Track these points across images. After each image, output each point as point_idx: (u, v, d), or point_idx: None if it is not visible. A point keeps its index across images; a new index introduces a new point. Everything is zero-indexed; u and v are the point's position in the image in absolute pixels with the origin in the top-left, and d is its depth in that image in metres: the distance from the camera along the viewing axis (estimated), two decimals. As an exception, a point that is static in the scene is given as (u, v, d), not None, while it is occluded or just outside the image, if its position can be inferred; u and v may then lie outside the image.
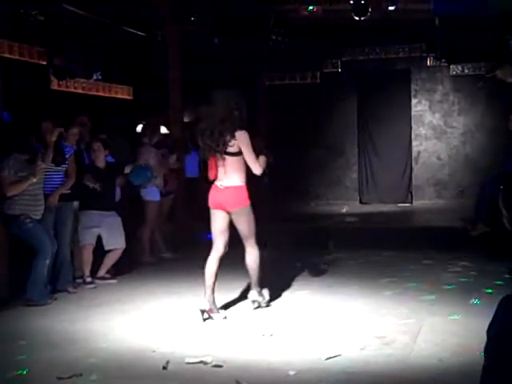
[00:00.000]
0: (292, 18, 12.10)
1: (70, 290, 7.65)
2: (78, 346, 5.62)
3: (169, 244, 9.85)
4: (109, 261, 8.22)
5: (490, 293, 6.88)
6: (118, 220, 8.27)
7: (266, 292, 6.77)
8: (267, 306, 6.76)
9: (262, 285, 6.76)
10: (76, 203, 7.92)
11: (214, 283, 6.48)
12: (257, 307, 6.70)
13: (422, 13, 11.63)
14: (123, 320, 6.42)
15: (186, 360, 5.12)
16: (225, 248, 6.52)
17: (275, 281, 7.88)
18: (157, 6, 10.88)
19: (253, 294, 6.70)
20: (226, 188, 6.41)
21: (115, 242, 8.17)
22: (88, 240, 8.03)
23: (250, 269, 6.65)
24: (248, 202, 6.51)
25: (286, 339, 5.67)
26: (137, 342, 5.68)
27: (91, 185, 7.97)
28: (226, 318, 6.37)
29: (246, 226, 6.50)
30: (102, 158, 8.23)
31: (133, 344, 5.64)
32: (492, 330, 2.32)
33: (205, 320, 6.31)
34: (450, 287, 7.40)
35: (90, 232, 8.02)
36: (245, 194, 6.51)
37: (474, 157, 14.94)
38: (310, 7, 11.43)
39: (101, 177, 8.08)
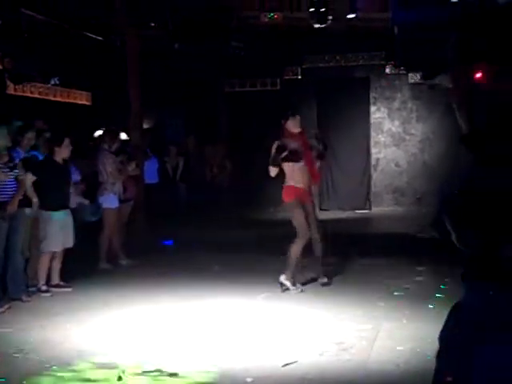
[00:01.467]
0: (253, 24, 12.12)
1: (24, 298, 7.48)
2: (33, 355, 5.51)
3: (127, 251, 9.73)
4: (57, 264, 8.07)
5: (444, 298, 6.95)
6: (71, 218, 8.14)
7: (287, 282, 7.56)
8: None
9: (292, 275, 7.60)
10: (28, 210, 7.75)
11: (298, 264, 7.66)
12: (284, 290, 7.52)
13: (381, 21, 11.75)
14: (79, 329, 6.31)
15: (142, 368, 5.06)
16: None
17: (234, 286, 7.86)
18: (115, 10, 10.79)
19: (282, 277, 7.58)
20: None
21: (68, 242, 8.05)
22: (52, 248, 7.88)
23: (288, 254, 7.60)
24: (287, 200, 7.68)
25: (244, 346, 5.64)
26: (92, 351, 5.59)
27: None
28: (302, 291, 7.56)
29: (292, 219, 7.64)
30: (62, 154, 8.04)
31: (88, 353, 5.54)
32: (442, 336, 2.35)
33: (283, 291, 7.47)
34: (407, 293, 7.45)
35: (56, 240, 7.87)
36: (284, 192, 7.72)
37: (432, 164, 15.12)
38: (271, 14, 11.47)
39: (57, 172, 7.92)
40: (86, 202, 8.96)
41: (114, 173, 9.15)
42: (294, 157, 7.58)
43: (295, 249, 7.58)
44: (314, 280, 8.06)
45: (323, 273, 8.04)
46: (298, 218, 7.58)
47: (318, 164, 8.34)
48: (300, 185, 7.64)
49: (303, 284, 7.80)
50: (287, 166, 7.65)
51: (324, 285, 7.85)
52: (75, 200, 8.62)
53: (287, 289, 7.54)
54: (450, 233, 2.12)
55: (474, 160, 2.05)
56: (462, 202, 1.77)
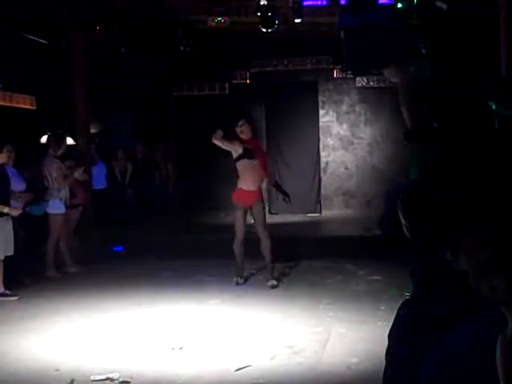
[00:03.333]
0: (200, 28, 12.05)
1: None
2: (-24, 366, 5.35)
3: (75, 257, 9.55)
4: (1, 273, 7.87)
5: (394, 298, 7.00)
6: (11, 225, 7.94)
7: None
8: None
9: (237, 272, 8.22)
10: None
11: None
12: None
13: (328, 26, 11.83)
14: (26, 338, 6.16)
15: (92, 377, 4.96)
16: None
17: (185, 292, 7.79)
18: (60, 13, 10.59)
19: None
20: None
21: (8, 249, 7.85)
22: None
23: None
24: (234, 200, 8.10)
25: (196, 351, 5.59)
26: (40, 361, 5.46)
27: None
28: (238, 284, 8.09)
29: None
30: (2, 159, 7.85)
31: (35, 363, 5.41)
32: (391, 335, 2.36)
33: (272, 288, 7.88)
34: (357, 294, 7.50)
35: None
36: (234, 193, 8.12)
37: (381, 166, 15.29)
38: (218, 18, 11.42)
39: None
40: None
41: (58, 179, 8.98)
42: (246, 154, 7.86)
43: (234, 248, 8.14)
44: (263, 283, 8.04)
45: (272, 276, 8.15)
46: (235, 220, 8.13)
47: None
48: (249, 187, 7.92)
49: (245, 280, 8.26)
50: (240, 165, 7.93)
51: (273, 287, 7.97)
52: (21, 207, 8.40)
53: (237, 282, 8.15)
54: (394, 230, 2.12)
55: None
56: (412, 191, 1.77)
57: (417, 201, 1.69)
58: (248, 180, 7.94)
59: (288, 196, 8.69)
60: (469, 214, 1.09)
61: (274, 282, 8.07)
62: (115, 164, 13.29)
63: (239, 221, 8.04)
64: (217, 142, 8.00)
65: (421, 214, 1.52)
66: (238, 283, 8.14)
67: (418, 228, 1.83)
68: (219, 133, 7.99)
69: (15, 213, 7.81)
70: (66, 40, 11.15)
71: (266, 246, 8.09)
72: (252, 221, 8.26)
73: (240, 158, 7.92)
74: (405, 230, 2.06)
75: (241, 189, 8.02)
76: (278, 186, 9.02)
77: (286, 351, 5.49)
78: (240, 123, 7.96)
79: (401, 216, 1.93)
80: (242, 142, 7.97)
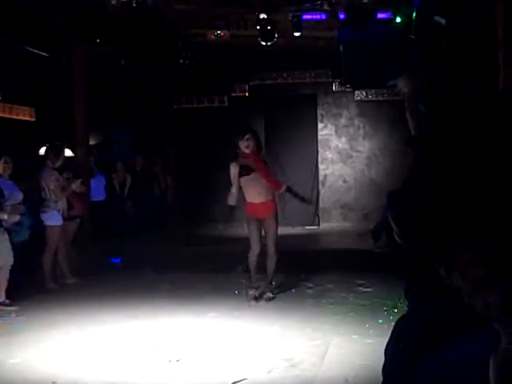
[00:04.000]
0: (200, 42, 12.12)
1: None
2: (-27, 378, 5.33)
3: (74, 269, 9.54)
4: (2, 282, 7.87)
5: (392, 312, 7.01)
6: (6, 236, 7.93)
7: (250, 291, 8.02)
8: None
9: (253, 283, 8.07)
10: None
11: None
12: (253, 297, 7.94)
13: (327, 39, 11.90)
14: (23, 350, 6.14)
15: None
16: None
17: (184, 304, 7.77)
18: (61, 26, 10.64)
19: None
20: None
21: (9, 259, 7.84)
22: None
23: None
24: (245, 213, 8.15)
25: (193, 364, 5.57)
26: (37, 373, 5.44)
27: None
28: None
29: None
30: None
31: (32, 375, 5.40)
32: (387, 349, 2.36)
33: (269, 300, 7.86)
34: (355, 307, 7.49)
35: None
36: (244, 206, 8.13)
37: (379, 180, 15.31)
38: (218, 32, 11.49)
39: None
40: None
41: (56, 190, 8.98)
42: (244, 171, 7.80)
43: (249, 260, 8.03)
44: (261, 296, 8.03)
45: (269, 288, 8.12)
46: (248, 232, 8.01)
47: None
48: (255, 200, 7.86)
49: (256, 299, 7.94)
50: (242, 183, 7.89)
51: (269, 299, 7.93)
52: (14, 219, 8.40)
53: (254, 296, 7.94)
54: (388, 243, 2.13)
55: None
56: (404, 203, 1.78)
57: (402, 207, 1.70)
58: (252, 194, 7.90)
59: (304, 199, 8.90)
60: (462, 228, 1.10)
61: (271, 295, 8.02)
62: (114, 176, 13.31)
63: (254, 233, 7.97)
64: (233, 192, 7.96)
65: (408, 221, 1.53)
66: (254, 297, 7.93)
67: (408, 236, 1.84)
68: (232, 196, 7.98)
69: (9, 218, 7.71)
70: (66, 52, 11.20)
71: (271, 262, 8.01)
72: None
73: (239, 176, 7.89)
74: (395, 235, 2.07)
75: (249, 202, 7.98)
76: (291, 191, 8.75)
77: (283, 364, 5.48)
78: (246, 137, 7.87)
79: (391, 222, 1.94)
80: (239, 157, 7.88)
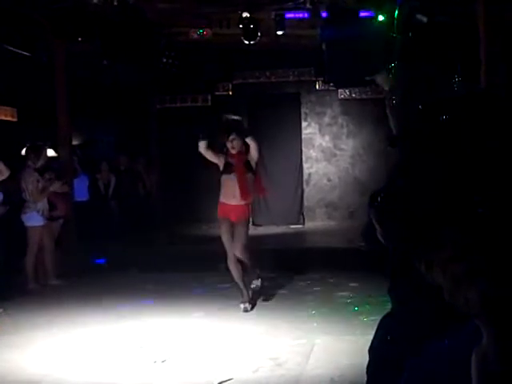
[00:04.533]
0: (182, 40, 12.07)
1: None
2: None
3: (57, 270, 9.48)
4: None
5: (377, 311, 7.02)
6: None
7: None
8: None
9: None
10: None
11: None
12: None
13: (309, 38, 11.90)
14: (7, 352, 6.09)
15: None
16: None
17: (169, 305, 7.74)
18: (41, 25, 10.55)
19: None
20: None
21: None
22: None
23: None
24: (218, 214, 7.83)
25: (179, 364, 5.55)
26: (22, 375, 5.40)
27: None
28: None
29: None
30: None
31: (17, 377, 5.36)
32: (372, 348, 2.36)
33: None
34: (340, 306, 7.50)
35: None
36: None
37: (363, 178, 15.35)
38: (200, 30, 11.46)
39: None
40: None
41: (34, 192, 8.91)
42: (226, 169, 7.67)
43: (229, 267, 7.67)
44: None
45: (253, 278, 7.96)
46: (221, 235, 7.74)
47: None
48: (229, 201, 7.64)
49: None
50: (222, 180, 7.76)
51: (245, 311, 7.46)
52: None
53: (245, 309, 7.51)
54: (377, 241, 2.12)
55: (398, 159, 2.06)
56: (385, 197, 1.77)
57: (384, 203, 1.70)
58: (227, 194, 7.68)
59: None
60: (440, 225, 1.09)
61: (247, 306, 7.54)
62: (99, 176, 13.23)
63: (225, 237, 7.63)
64: (202, 152, 7.84)
65: (389, 218, 1.52)
66: (246, 310, 7.47)
67: (389, 233, 1.83)
68: (202, 145, 7.79)
69: None
70: (48, 52, 11.11)
71: (244, 261, 7.70)
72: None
73: (221, 172, 7.77)
74: (378, 235, 2.07)
75: (222, 202, 7.75)
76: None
77: (268, 363, 5.47)
78: (231, 138, 7.71)
79: (373, 220, 1.93)
80: (227, 155, 7.75)
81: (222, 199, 7.74)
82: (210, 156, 7.82)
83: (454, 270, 1.03)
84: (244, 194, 7.63)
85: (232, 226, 7.64)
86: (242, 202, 7.67)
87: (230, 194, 7.63)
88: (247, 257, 7.66)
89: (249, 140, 7.79)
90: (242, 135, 7.80)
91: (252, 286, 7.89)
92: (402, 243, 1.49)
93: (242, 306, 7.50)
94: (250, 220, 8.08)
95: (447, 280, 1.05)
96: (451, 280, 1.04)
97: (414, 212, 1.08)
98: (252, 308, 7.57)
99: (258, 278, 7.97)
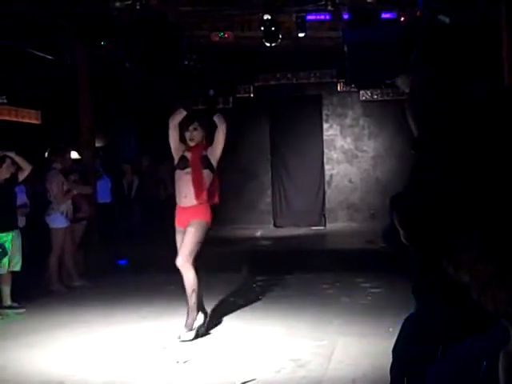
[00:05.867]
0: (204, 43, 12.13)
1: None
2: (-19, 381, 5.35)
3: (80, 271, 9.57)
4: (8, 286, 7.90)
5: (399, 311, 6.99)
6: (19, 240, 7.96)
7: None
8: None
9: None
10: None
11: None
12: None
13: (331, 40, 11.90)
14: (30, 352, 6.16)
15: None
16: None
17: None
18: (65, 29, 10.67)
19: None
20: None
21: (16, 265, 7.88)
22: (0, 270, 7.70)
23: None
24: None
25: (201, 365, 5.58)
26: (44, 375, 5.46)
27: None
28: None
29: None
30: (3, 174, 7.89)
31: (39, 377, 5.42)
32: (395, 349, 2.36)
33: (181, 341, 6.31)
34: (362, 307, 7.49)
35: (3, 262, 7.68)
36: None
37: (384, 180, 15.30)
38: (221, 33, 11.50)
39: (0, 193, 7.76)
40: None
41: (57, 194, 9.00)
42: (180, 164, 6.60)
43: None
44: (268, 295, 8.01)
45: (187, 323, 6.44)
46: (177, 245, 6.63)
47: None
48: (181, 202, 6.58)
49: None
50: (175, 175, 6.69)
51: (182, 340, 6.28)
52: (22, 220, 8.46)
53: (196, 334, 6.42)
54: (399, 242, 2.12)
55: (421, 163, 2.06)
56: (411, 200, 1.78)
57: (408, 208, 1.70)
58: (179, 194, 6.59)
59: None
60: (468, 224, 1.10)
61: (187, 335, 6.32)
62: (124, 178, 13.32)
63: (178, 246, 6.58)
64: (172, 123, 6.63)
65: (414, 223, 1.53)
66: (197, 335, 6.38)
67: (415, 237, 1.84)
68: (179, 113, 6.61)
69: None
70: (71, 55, 11.23)
71: (186, 281, 6.48)
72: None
73: (176, 167, 6.67)
74: (402, 238, 2.07)
75: (178, 206, 6.65)
76: None
77: (290, 365, 5.48)
78: (192, 127, 6.56)
79: (397, 225, 1.94)
80: (185, 147, 6.64)
81: (177, 201, 6.66)
82: (173, 135, 6.66)
83: (482, 270, 1.04)
84: (199, 192, 6.50)
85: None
86: (196, 202, 6.51)
87: (182, 193, 6.55)
88: (189, 272, 6.45)
89: (217, 118, 6.71)
90: (205, 126, 6.72)
91: (180, 334, 6.36)
92: (427, 246, 1.50)
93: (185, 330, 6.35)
94: (206, 226, 6.65)
95: (475, 280, 1.06)
96: (479, 280, 1.05)
97: (441, 213, 1.09)
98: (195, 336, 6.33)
99: (189, 329, 6.38)
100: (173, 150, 6.68)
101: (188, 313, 6.47)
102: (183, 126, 6.63)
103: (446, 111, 1.25)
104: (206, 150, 6.64)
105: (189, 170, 6.51)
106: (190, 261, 6.45)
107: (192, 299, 6.46)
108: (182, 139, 6.67)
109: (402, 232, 1.86)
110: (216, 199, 6.94)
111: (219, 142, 6.68)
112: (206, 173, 6.60)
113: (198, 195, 6.50)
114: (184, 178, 6.52)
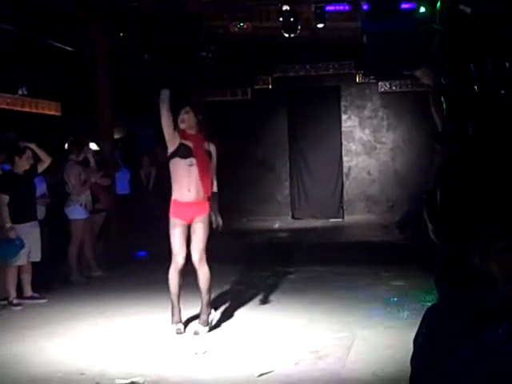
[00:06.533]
0: (222, 34, 12.11)
1: (-6, 312, 7.36)
2: (2, 370, 5.40)
3: (99, 262, 9.62)
4: (28, 276, 7.97)
5: (419, 303, 6.96)
6: (38, 231, 8.02)
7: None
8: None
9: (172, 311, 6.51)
10: None
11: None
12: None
13: (350, 31, 11.83)
14: (51, 342, 6.20)
15: (116, 381, 4.99)
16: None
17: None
18: (85, 21, 10.71)
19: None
20: None
21: (35, 255, 7.94)
22: (19, 261, 7.76)
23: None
24: (170, 215, 6.31)
25: (220, 356, 5.59)
26: (65, 365, 5.50)
27: None
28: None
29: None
30: (23, 165, 7.94)
31: (60, 367, 5.45)
32: (416, 340, 2.35)
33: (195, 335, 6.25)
34: (381, 299, 7.46)
35: (22, 253, 7.74)
36: (170, 206, 6.33)
37: (403, 172, 15.23)
38: (240, 24, 11.47)
39: (18, 184, 7.81)
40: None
41: (76, 185, 9.05)
42: (180, 152, 6.14)
43: (169, 277, 6.31)
44: (287, 286, 8.01)
45: (201, 318, 6.36)
46: (171, 239, 6.26)
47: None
48: (184, 197, 6.15)
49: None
50: (172, 165, 6.20)
51: (195, 334, 6.22)
52: (42, 211, 8.50)
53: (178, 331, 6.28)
54: (412, 231, 2.12)
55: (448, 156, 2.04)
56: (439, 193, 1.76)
57: (440, 201, 1.69)
58: (182, 188, 6.13)
59: (217, 223, 6.53)
60: (497, 216, 1.09)
61: (201, 329, 6.27)
62: (141, 170, 13.35)
63: (177, 241, 6.19)
64: (163, 107, 6.29)
65: (444, 214, 1.51)
66: (179, 331, 6.22)
67: (442, 230, 1.83)
68: (165, 93, 6.37)
69: (12, 234, 7.59)
70: (91, 47, 11.28)
71: (202, 277, 6.33)
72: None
73: (173, 155, 6.16)
74: (430, 233, 2.06)
75: (175, 200, 6.18)
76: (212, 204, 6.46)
77: (309, 356, 5.47)
78: (183, 111, 6.26)
79: (426, 218, 1.93)
80: (183, 136, 6.22)
81: (176, 196, 6.19)
82: (167, 120, 6.23)
83: (509, 261, 1.03)
84: (207, 187, 6.19)
85: (187, 228, 6.25)
86: (196, 197, 6.17)
87: (184, 188, 6.14)
88: (205, 268, 6.35)
89: (211, 148, 6.40)
90: (197, 112, 6.42)
91: (196, 328, 6.29)
92: (457, 240, 1.49)
93: (175, 326, 6.26)
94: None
95: (502, 271, 1.05)
96: (506, 271, 1.04)
97: (473, 207, 1.08)
98: (208, 327, 6.28)
99: (205, 323, 6.31)
100: (167, 137, 6.21)
101: (202, 309, 6.37)
102: (175, 111, 6.30)
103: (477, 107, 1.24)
104: (205, 138, 6.34)
105: (193, 160, 6.11)
106: (205, 256, 6.32)
107: (208, 295, 6.39)
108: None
109: (431, 227, 1.85)
110: (209, 191, 6.39)
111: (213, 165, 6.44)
112: (208, 163, 6.29)
113: (207, 190, 6.21)
114: (186, 169, 6.09)
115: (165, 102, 6.28)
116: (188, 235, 6.27)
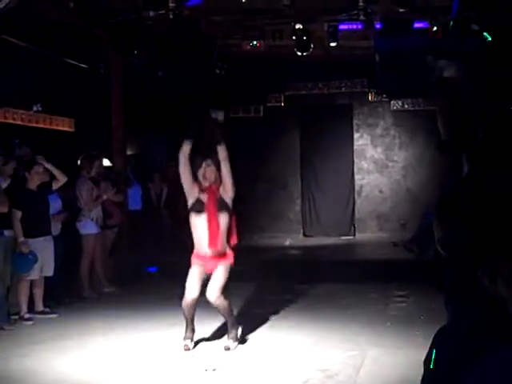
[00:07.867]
0: (235, 52, 12.19)
1: (6, 327, 7.38)
2: (13, 385, 5.42)
3: (111, 278, 9.65)
4: (40, 291, 8.00)
5: (430, 323, 6.93)
6: (51, 246, 8.06)
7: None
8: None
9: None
10: (7, 232, 7.64)
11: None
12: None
13: (362, 49, 11.89)
14: (61, 358, 6.22)
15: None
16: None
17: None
18: (100, 38, 10.83)
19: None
20: None
21: (47, 270, 7.98)
22: (32, 275, 7.80)
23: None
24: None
25: (229, 373, 5.59)
26: (75, 380, 5.51)
27: None
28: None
29: None
30: (33, 181, 8.00)
31: (71, 381, 5.47)
32: (427, 364, 2.34)
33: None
34: (392, 318, 7.43)
35: (35, 267, 7.78)
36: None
37: (415, 190, 15.21)
38: (253, 42, 11.55)
39: (30, 199, 7.86)
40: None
41: (86, 200, 9.10)
42: (195, 207, 6.27)
43: (182, 307, 6.34)
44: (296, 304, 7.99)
45: (229, 334, 6.47)
46: (189, 274, 6.33)
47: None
48: (201, 251, 6.29)
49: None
50: (191, 220, 6.34)
51: (226, 349, 6.30)
52: (58, 227, 8.54)
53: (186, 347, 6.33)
54: (426, 247, 2.13)
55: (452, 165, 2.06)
56: (453, 202, 1.78)
57: (452, 208, 1.70)
58: (199, 241, 6.26)
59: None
60: (505, 239, 1.10)
61: (232, 344, 6.39)
62: (151, 186, 13.40)
63: (194, 277, 6.25)
64: (181, 161, 6.23)
65: (456, 222, 1.52)
66: (186, 348, 6.30)
67: (451, 240, 1.83)
68: (185, 146, 6.26)
69: (25, 249, 7.62)
70: (105, 64, 11.38)
71: (221, 310, 6.38)
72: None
73: (190, 210, 6.29)
74: (438, 244, 2.06)
75: (197, 254, 6.33)
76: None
77: (319, 375, 5.46)
78: (205, 164, 6.28)
79: (435, 227, 1.93)
80: (199, 187, 6.31)
81: (197, 248, 6.34)
82: (185, 173, 6.25)
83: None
84: (213, 242, 6.19)
85: (205, 272, 6.30)
86: (222, 250, 6.28)
87: (201, 241, 6.26)
88: (223, 303, 6.31)
89: (220, 149, 6.29)
90: (217, 161, 6.30)
91: (225, 344, 6.40)
92: (466, 254, 1.49)
93: (185, 342, 6.34)
94: (231, 266, 6.40)
95: (510, 292, 1.06)
96: None
97: (483, 222, 1.09)
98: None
99: (233, 339, 6.43)
100: (186, 190, 6.32)
101: (229, 327, 6.45)
102: (195, 164, 6.34)
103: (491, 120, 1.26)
104: (219, 189, 6.31)
105: (204, 216, 6.19)
106: (221, 294, 6.27)
107: (231, 317, 6.48)
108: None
109: (437, 234, 1.86)
110: (235, 240, 6.51)
111: (226, 176, 6.30)
112: (223, 216, 6.25)
113: (213, 245, 6.20)
114: (202, 224, 6.20)
115: (185, 153, 6.27)
116: (206, 279, 6.29)
